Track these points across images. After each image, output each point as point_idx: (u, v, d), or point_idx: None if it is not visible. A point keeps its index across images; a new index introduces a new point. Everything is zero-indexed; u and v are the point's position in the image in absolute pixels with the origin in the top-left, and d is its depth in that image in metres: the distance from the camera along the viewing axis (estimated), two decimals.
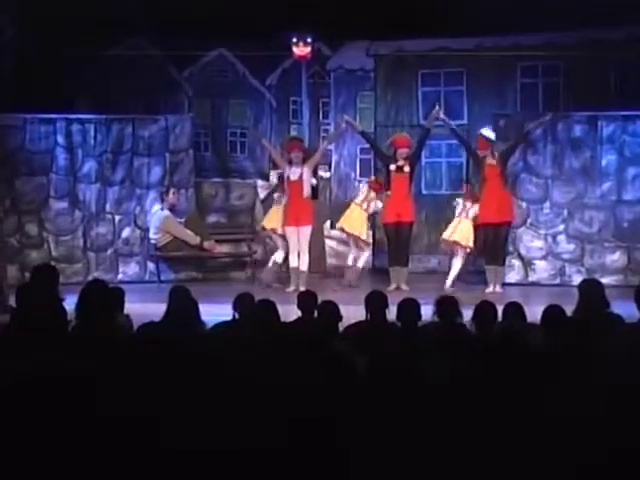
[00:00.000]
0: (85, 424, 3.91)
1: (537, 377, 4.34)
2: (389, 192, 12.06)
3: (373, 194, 12.06)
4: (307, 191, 11.87)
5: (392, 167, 11.93)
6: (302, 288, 11.23)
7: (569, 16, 12.06)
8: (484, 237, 12.24)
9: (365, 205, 12.04)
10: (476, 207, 11.73)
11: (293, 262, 12.01)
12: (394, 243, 12.09)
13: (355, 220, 12.06)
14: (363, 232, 12.09)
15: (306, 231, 11.87)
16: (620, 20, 12.24)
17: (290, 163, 11.99)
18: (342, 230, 12.30)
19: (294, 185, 11.91)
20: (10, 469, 3.77)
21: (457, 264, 11.75)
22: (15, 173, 12.54)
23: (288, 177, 12.00)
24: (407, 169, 11.87)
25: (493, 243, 11.86)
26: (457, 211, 11.93)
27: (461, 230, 11.75)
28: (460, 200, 12.03)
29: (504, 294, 11.17)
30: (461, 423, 4.01)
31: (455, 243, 11.79)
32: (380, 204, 12.01)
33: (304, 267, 11.87)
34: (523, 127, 12.23)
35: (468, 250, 11.78)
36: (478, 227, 12.34)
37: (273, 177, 13.85)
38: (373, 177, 13.19)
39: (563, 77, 13.27)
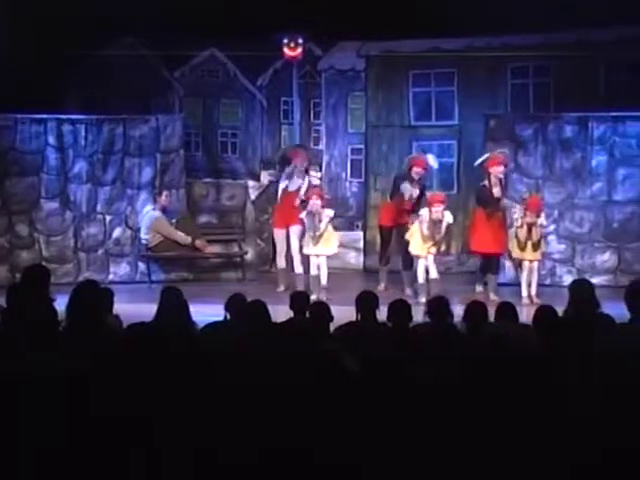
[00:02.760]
0: (77, 424, 3.91)
1: (528, 377, 4.34)
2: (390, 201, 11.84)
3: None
4: (299, 201, 11.79)
5: (404, 190, 11.47)
6: (300, 288, 11.28)
7: (559, 17, 12.08)
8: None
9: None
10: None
11: (281, 264, 12.08)
12: (387, 244, 11.97)
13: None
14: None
15: (295, 231, 11.84)
16: (610, 21, 12.28)
17: (291, 176, 11.98)
18: None
19: (290, 195, 11.94)
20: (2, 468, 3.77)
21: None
22: (6, 173, 12.52)
23: (287, 187, 12.04)
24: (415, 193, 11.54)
25: (486, 260, 11.74)
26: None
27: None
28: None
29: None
30: (451, 424, 4.01)
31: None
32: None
33: (298, 269, 11.85)
34: (514, 128, 12.37)
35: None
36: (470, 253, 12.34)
37: (264, 178, 13.84)
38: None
39: (553, 78, 13.30)
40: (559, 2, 12.07)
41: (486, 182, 11.39)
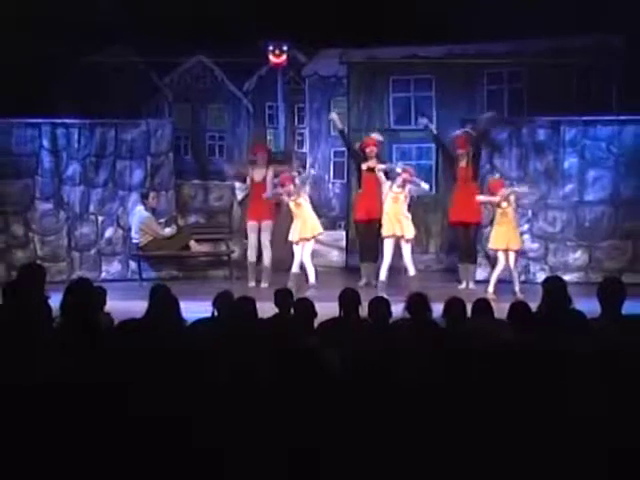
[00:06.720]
0: (72, 424, 4.03)
1: (504, 373, 4.35)
2: (360, 190, 12.32)
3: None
4: (269, 193, 12.07)
5: (364, 166, 12.17)
6: (265, 284, 11.56)
7: (533, 25, 12.30)
8: (455, 236, 12.59)
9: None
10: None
11: (252, 257, 12.21)
12: (364, 239, 12.30)
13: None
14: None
15: (267, 226, 12.13)
16: (582, 28, 12.53)
17: (254, 164, 12.34)
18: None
19: (258, 186, 12.21)
20: None
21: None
22: (1, 175, 12.68)
23: (252, 178, 12.32)
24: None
25: (464, 242, 12.13)
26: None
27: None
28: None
29: (473, 291, 11.41)
30: (431, 421, 4.05)
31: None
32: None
33: (267, 262, 12.06)
34: (488, 132, 12.55)
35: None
36: (448, 226, 12.68)
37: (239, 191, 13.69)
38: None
39: (527, 83, 13.54)
40: (533, 11, 12.36)
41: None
